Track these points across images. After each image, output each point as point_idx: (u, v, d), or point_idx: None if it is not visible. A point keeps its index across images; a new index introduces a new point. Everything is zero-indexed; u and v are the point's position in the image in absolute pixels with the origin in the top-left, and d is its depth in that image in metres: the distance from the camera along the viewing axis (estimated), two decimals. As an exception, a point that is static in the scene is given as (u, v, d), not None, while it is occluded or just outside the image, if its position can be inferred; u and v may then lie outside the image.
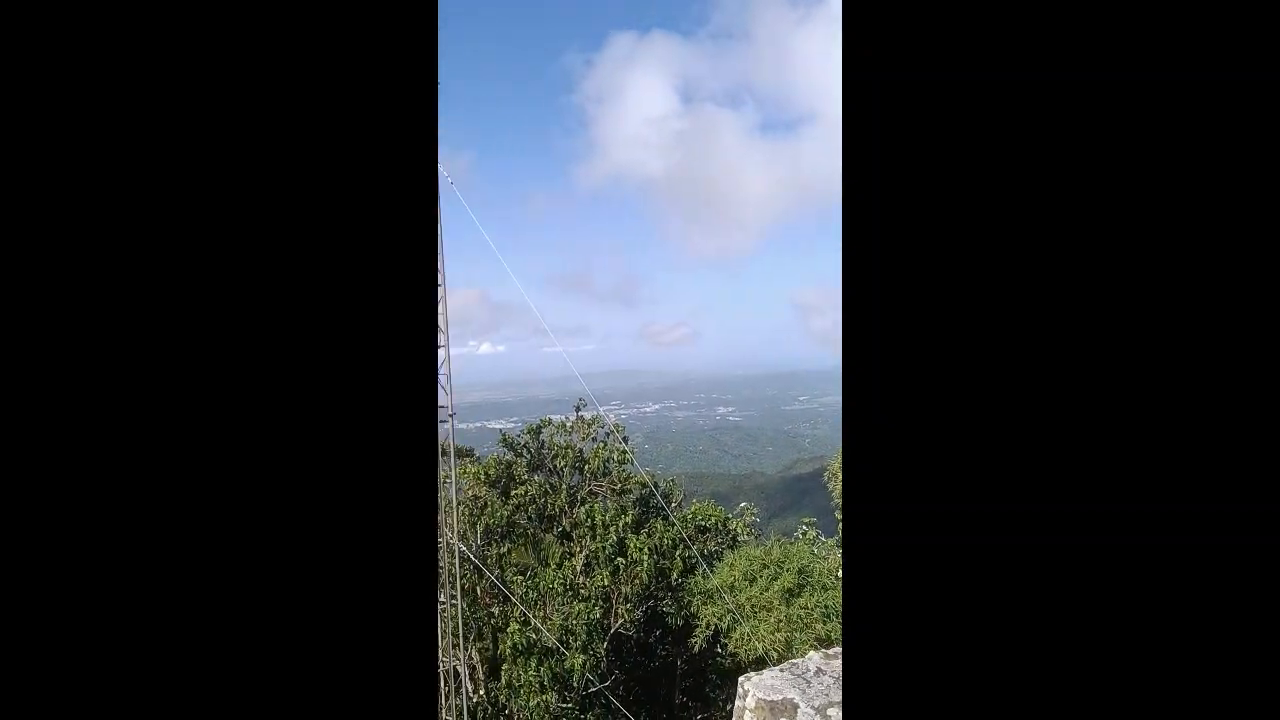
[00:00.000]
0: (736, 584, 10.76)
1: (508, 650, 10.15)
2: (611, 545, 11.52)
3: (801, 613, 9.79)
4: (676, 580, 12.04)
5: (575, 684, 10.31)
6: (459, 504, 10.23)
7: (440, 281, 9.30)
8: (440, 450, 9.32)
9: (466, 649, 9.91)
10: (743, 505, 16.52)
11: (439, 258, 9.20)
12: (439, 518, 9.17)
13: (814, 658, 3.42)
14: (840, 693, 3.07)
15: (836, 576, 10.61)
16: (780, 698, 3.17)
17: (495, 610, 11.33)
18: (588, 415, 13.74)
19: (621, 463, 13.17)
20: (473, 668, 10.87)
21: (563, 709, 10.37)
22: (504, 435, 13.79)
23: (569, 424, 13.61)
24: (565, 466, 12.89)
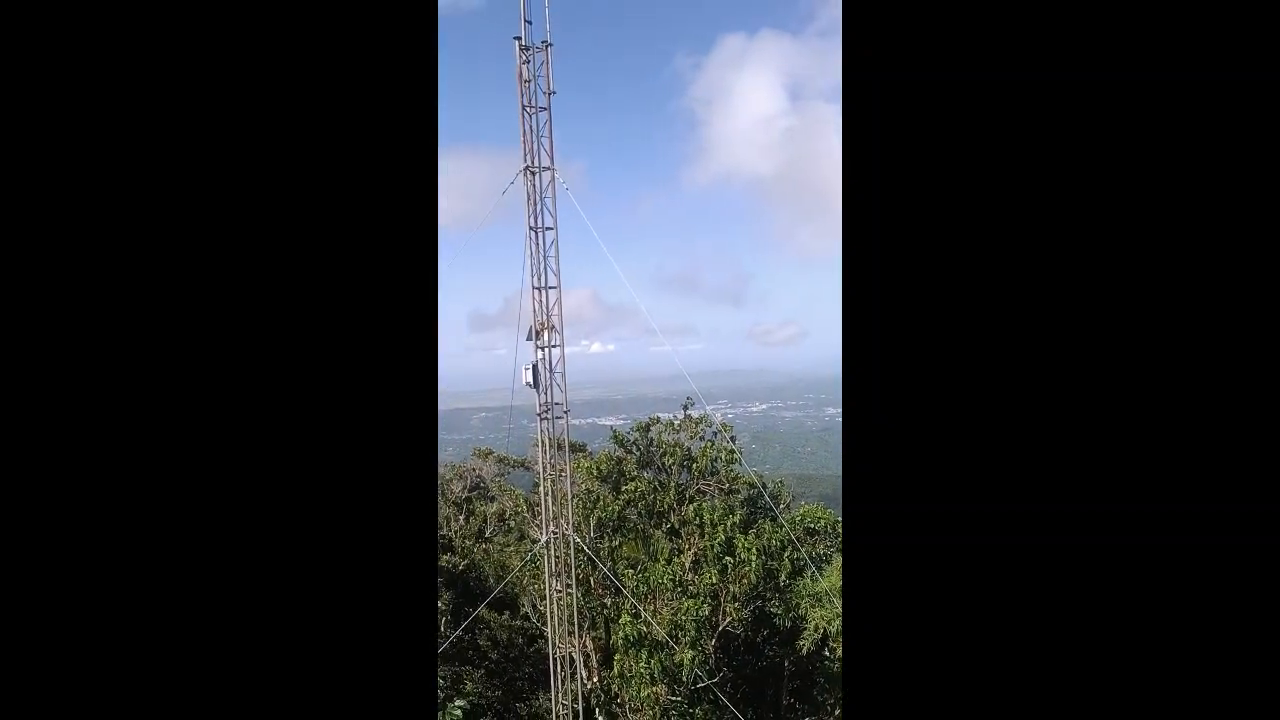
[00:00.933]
0: (848, 589, 10.51)
1: (620, 641, 10.48)
2: (719, 544, 11.60)
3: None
4: (785, 582, 11.93)
5: (684, 678, 10.49)
6: (573, 497, 10.67)
7: (556, 284, 9.76)
8: (557, 445, 9.79)
9: (581, 637, 10.35)
10: (854, 509, 16.03)
11: (556, 261, 9.66)
12: (556, 509, 9.64)
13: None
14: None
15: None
16: None
17: (608, 601, 11.73)
18: (695, 414, 13.88)
19: (729, 462, 13.20)
20: (586, 655, 11.32)
21: (672, 702, 10.58)
22: (614, 432, 14.21)
23: (677, 422, 13.80)
24: (674, 464, 13.10)
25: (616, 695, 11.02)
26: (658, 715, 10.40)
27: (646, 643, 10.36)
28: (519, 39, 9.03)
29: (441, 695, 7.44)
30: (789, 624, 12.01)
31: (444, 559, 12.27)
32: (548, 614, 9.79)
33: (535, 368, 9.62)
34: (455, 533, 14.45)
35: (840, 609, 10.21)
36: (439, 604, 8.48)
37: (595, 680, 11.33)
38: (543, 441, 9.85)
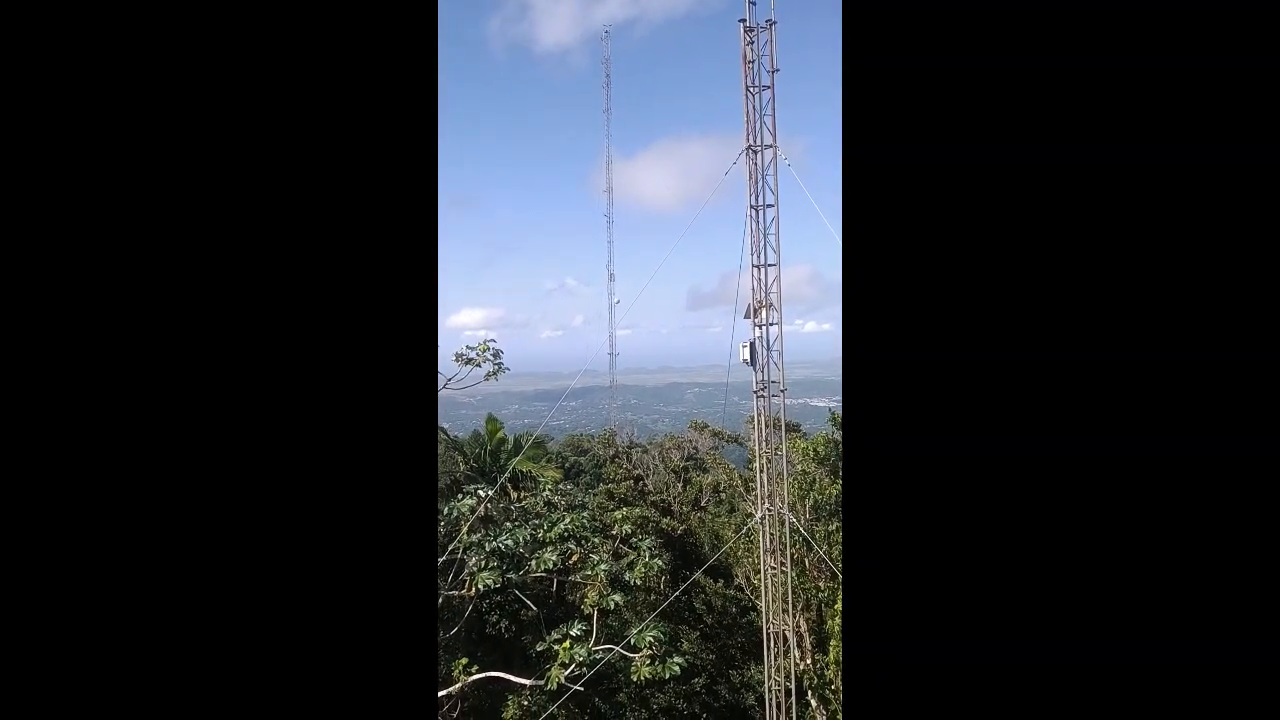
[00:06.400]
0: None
1: (835, 627, 10.34)
2: (947, 539, 10.81)
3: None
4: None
5: (903, 673, 10.05)
6: (789, 477, 10.68)
7: (775, 261, 9.74)
8: (772, 423, 9.86)
9: (794, 616, 10.40)
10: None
11: (776, 238, 9.64)
12: (771, 487, 9.75)
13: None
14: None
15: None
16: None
17: (821, 584, 11.60)
18: (923, 399, 12.96)
19: (961, 452, 12.16)
20: (799, 635, 11.35)
21: (888, 695, 10.21)
22: (833, 415, 13.84)
23: (901, 407, 13.02)
24: (897, 451, 12.41)
25: (830, 681, 10.91)
26: (872, 706, 10.11)
27: (862, 631, 10.07)
28: (743, 20, 9.07)
29: (662, 649, 8.05)
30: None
31: (664, 522, 13.07)
32: (761, 589, 9.99)
33: (753, 345, 9.74)
34: (674, 499, 15.26)
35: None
36: (660, 563, 9.12)
37: (808, 662, 11.32)
38: (759, 419, 9.98)
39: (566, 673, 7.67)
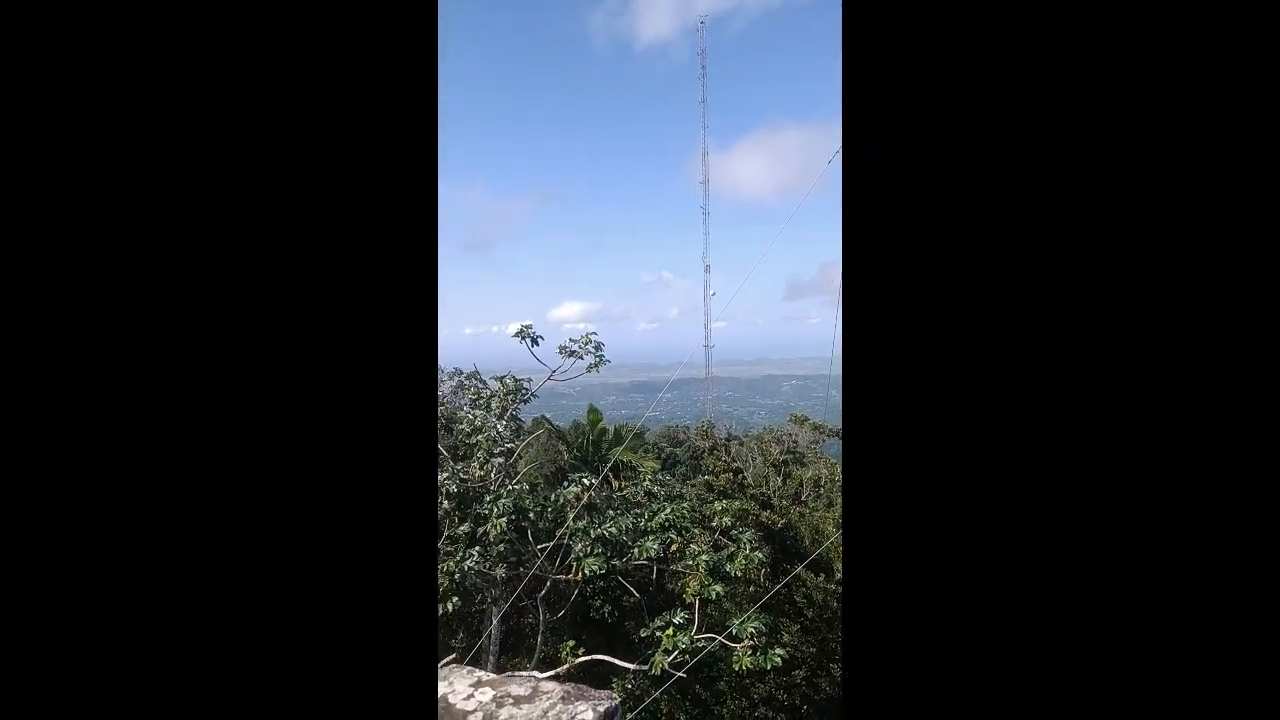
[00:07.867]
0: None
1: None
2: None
3: None
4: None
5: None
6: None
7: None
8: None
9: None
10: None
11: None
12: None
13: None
14: None
15: None
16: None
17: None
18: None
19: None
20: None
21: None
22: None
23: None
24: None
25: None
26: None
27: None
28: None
29: (763, 641, 8.08)
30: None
31: (763, 515, 13.02)
32: (865, 584, 9.74)
33: (856, 338, 9.49)
34: (773, 492, 15.16)
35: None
36: (761, 556, 9.13)
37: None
38: (863, 412, 9.72)
39: (669, 659, 7.88)
